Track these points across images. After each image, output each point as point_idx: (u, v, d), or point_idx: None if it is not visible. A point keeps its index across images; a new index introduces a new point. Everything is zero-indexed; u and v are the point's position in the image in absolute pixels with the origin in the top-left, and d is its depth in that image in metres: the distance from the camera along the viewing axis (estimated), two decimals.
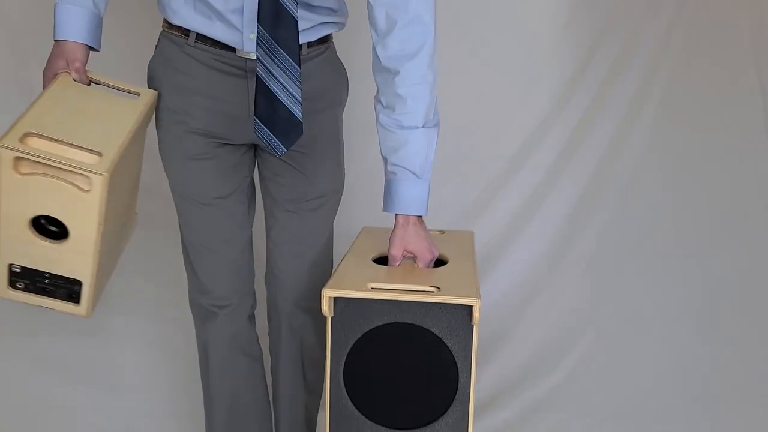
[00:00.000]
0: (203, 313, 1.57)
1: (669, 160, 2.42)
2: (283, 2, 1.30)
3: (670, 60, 2.37)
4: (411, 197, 1.39)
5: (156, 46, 1.48)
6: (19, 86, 2.10)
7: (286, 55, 1.34)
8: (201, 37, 1.41)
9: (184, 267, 1.58)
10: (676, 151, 2.41)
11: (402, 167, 1.38)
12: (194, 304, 1.58)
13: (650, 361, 2.30)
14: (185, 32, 1.42)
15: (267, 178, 1.57)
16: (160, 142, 1.50)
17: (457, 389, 1.27)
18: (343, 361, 1.25)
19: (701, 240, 2.42)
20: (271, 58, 1.33)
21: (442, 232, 1.71)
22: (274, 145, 1.38)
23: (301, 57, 1.42)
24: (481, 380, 2.18)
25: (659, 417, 2.14)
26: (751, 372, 2.25)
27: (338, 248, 1.64)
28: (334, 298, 1.22)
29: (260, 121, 1.36)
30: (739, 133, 2.40)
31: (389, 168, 1.40)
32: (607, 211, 2.43)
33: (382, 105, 1.39)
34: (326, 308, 1.22)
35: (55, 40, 1.39)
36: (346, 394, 1.27)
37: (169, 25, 1.44)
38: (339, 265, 1.42)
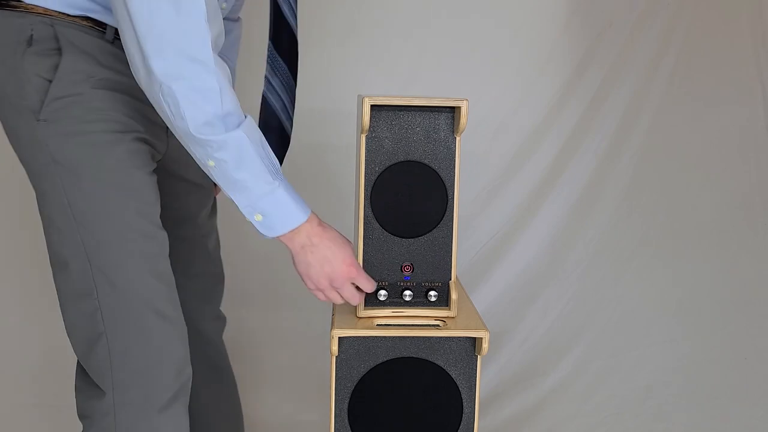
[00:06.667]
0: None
1: (668, 160, 2.41)
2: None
3: (670, 60, 2.36)
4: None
5: (34, 38, 1.11)
6: None
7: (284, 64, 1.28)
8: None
9: None
10: (676, 151, 2.40)
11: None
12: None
13: (650, 361, 2.31)
14: (101, 24, 1.16)
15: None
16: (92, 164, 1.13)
17: (461, 419, 1.27)
18: (348, 399, 1.25)
19: (701, 240, 2.42)
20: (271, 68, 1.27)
21: None
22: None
23: None
24: (481, 379, 2.19)
25: (659, 417, 2.15)
26: (751, 372, 2.26)
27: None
28: (339, 337, 1.21)
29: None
30: (739, 133, 2.39)
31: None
32: (606, 212, 2.42)
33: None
34: (335, 348, 1.21)
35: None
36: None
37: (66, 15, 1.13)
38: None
